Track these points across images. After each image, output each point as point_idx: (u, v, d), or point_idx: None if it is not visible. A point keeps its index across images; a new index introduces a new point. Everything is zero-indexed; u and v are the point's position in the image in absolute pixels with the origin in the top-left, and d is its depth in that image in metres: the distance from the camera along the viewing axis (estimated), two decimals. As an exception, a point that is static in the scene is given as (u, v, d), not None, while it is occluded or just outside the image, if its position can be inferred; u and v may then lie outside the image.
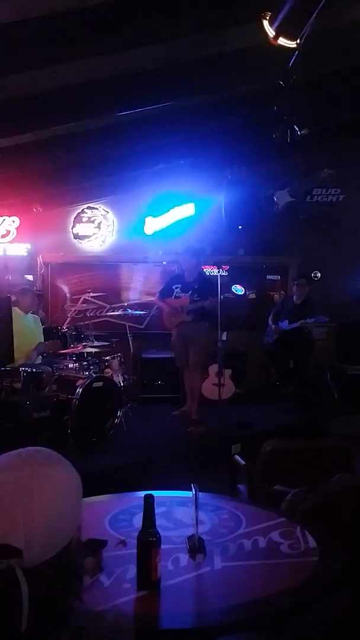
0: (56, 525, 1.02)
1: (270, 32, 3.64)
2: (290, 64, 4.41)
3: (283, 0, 3.51)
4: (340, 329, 8.27)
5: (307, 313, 7.30)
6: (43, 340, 6.06)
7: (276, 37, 3.65)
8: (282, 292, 8.71)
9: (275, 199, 8.09)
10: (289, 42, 3.71)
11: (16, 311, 5.57)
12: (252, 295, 8.77)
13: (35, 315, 6.16)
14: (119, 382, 6.15)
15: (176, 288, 6.62)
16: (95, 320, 7.60)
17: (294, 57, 4.26)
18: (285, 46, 3.73)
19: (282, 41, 3.69)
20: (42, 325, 6.34)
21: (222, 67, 5.23)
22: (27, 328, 5.85)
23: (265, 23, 3.62)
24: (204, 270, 7.24)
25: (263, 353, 7.97)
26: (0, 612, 0.97)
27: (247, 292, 8.67)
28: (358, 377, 7.66)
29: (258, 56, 4.75)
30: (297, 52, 4.04)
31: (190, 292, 6.49)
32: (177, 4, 4.08)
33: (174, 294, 6.60)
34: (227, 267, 7.36)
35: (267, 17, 3.62)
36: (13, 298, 5.73)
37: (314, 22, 3.75)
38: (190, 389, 6.67)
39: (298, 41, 3.73)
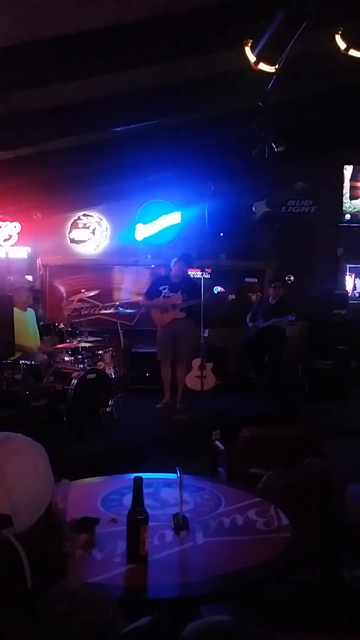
0: (36, 489, 1.02)
1: (252, 58, 3.63)
2: (269, 87, 4.41)
3: (264, 29, 3.51)
4: (311, 327, 8.32)
5: (280, 312, 7.35)
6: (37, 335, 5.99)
7: (257, 63, 3.65)
8: (259, 293, 8.74)
9: (253, 209, 8.12)
10: (269, 67, 3.71)
11: (16, 310, 5.48)
12: (232, 296, 8.78)
13: (32, 310, 6.05)
14: (111, 374, 6.12)
15: (164, 289, 6.56)
16: (89, 318, 7.57)
17: (273, 80, 4.26)
18: (265, 71, 3.73)
19: (262, 66, 3.68)
20: (41, 322, 6.28)
21: (207, 88, 5.23)
22: (30, 324, 5.77)
23: (247, 49, 3.62)
24: (189, 273, 7.22)
25: (241, 348, 8.00)
26: (7, 576, 0.98)
27: (224, 292, 8.66)
28: (326, 370, 7.71)
29: (240, 79, 4.75)
30: (275, 76, 4.04)
31: (179, 291, 6.48)
32: (166, 31, 4.06)
33: (163, 294, 6.55)
34: (209, 270, 7.35)
35: (249, 44, 3.62)
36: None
37: (291, 49, 3.76)
38: (174, 381, 6.66)
39: (277, 66, 3.73)
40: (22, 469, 1.02)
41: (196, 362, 7.02)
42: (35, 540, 1.01)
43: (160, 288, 6.59)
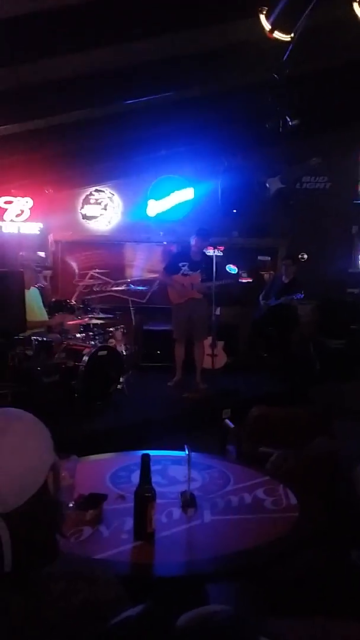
0: (20, 472, 1.01)
1: (267, 26, 3.53)
2: (284, 58, 4.29)
3: (279, -3, 3.41)
4: (323, 306, 8.22)
5: (293, 291, 7.26)
6: (45, 313, 5.97)
7: (272, 31, 3.54)
8: (272, 272, 8.65)
9: (267, 185, 7.99)
10: (284, 35, 3.60)
11: None
12: (245, 276, 8.67)
13: (35, 289, 5.96)
14: (122, 351, 6.12)
15: (183, 266, 6.42)
16: (101, 295, 7.56)
17: (288, 51, 4.14)
18: (280, 39, 3.62)
19: (277, 35, 3.58)
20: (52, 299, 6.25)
21: (221, 60, 5.11)
22: (34, 302, 5.74)
23: (262, 17, 3.52)
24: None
25: (251, 326, 7.95)
26: None
27: (240, 272, 8.58)
28: (338, 350, 7.63)
29: (254, 50, 4.63)
30: (291, 46, 3.93)
31: (199, 270, 6.37)
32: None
33: (182, 272, 6.42)
34: (222, 248, 7.26)
35: (264, 12, 3.52)
36: None
37: (308, 18, 3.64)
38: (186, 360, 6.63)
39: (292, 35, 3.62)
40: (7, 452, 1.00)
41: (207, 341, 6.99)
42: (23, 521, 0.99)
43: (180, 264, 6.45)
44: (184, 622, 0.70)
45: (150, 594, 1.65)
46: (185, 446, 2.21)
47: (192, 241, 6.51)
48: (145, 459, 1.95)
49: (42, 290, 6.18)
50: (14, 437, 1.03)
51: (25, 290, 5.55)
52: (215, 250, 6.55)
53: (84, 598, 0.97)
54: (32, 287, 5.77)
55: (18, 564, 0.97)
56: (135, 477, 2.12)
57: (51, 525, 1.07)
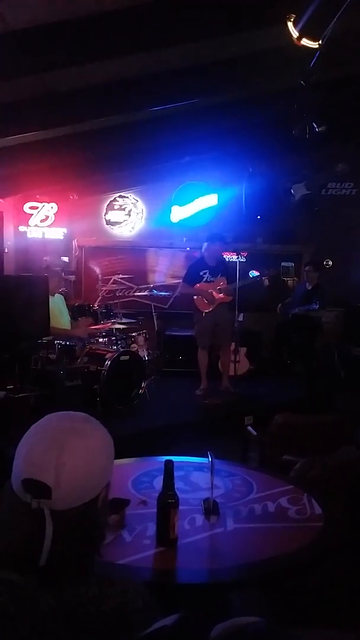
0: (84, 475, 1.04)
1: (294, 33, 3.52)
2: (311, 64, 4.27)
3: (307, 3, 3.40)
4: (348, 313, 8.14)
5: (310, 301, 7.19)
6: (69, 319, 6.02)
7: (300, 38, 3.54)
8: (296, 278, 8.58)
9: (292, 192, 7.94)
10: (312, 42, 3.59)
11: None
12: (266, 281, 8.61)
13: (61, 295, 6.02)
14: (144, 356, 6.14)
15: (204, 274, 6.35)
16: (124, 300, 7.60)
17: (315, 57, 4.12)
18: (307, 47, 3.61)
19: (305, 42, 3.57)
20: (75, 304, 6.29)
21: (247, 66, 5.11)
22: (57, 309, 5.78)
23: (290, 24, 3.51)
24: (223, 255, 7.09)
25: (274, 333, 7.90)
26: (26, 544, 0.99)
27: (263, 278, 8.51)
28: (363, 358, 7.55)
29: (281, 57, 4.62)
30: (318, 53, 3.91)
31: (220, 275, 6.34)
32: (205, 7, 3.97)
33: (205, 279, 6.36)
34: (245, 254, 7.23)
35: (292, 19, 3.51)
36: None
37: (335, 25, 3.62)
38: (210, 366, 6.60)
39: (320, 42, 3.61)
40: (80, 453, 1.04)
41: (230, 347, 6.96)
42: (67, 524, 1.02)
43: (201, 273, 6.37)
44: (218, 632, 0.69)
45: (177, 601, 1.65)
46: (209, 453, 2.20)
47: (204, 247, 6.47)
48: (169, 465, 1.94)
49: (66, 297, 6.23)
50: (90, 442, 1.07)
51: (50, 297, 5.61)
52: (239, 256, 6.53)
53: (115, 604, 0.98)
54: (56, 294, 5.82)
55: (51, 563, 0.98)
56: (158, 483, 2.12)
57: (91, 539, 1.08)
